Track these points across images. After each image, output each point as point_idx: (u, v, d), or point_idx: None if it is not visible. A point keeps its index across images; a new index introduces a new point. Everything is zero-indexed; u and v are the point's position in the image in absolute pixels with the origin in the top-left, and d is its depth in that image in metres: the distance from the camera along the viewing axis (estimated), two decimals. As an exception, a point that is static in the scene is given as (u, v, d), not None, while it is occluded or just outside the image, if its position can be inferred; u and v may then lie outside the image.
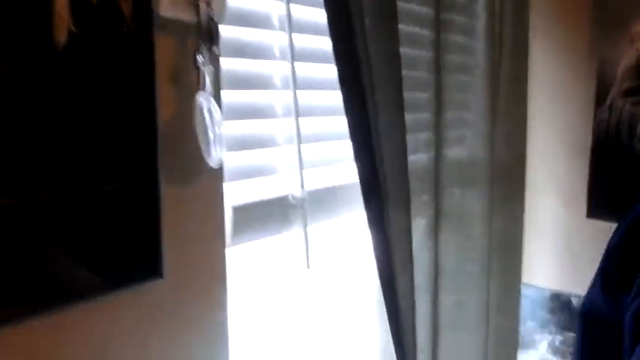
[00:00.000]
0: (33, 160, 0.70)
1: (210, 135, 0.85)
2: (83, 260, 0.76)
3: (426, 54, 1.30)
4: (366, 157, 1.07)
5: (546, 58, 1.64)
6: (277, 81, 1.07)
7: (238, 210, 0.98)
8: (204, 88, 0.85)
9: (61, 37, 0.69)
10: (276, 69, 1.07)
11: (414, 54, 1.28)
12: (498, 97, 1.52)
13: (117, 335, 0.82)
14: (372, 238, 1.12)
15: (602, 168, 1.59)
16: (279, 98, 1.08)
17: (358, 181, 1.06)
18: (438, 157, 1.35)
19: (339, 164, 1.24)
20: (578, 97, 1.60)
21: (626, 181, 1.55)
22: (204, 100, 0.85)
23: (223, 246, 0.96)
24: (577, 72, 1.61)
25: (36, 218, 0.71)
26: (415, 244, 1.23)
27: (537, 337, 1.71)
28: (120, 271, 0.80)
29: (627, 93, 1.54)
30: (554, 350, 1.69)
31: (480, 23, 1.44)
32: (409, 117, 1.17)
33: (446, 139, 1.38)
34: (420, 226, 1.34)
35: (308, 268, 1.14)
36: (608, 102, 1.56)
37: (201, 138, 0.85)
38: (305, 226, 1.11)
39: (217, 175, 0.94)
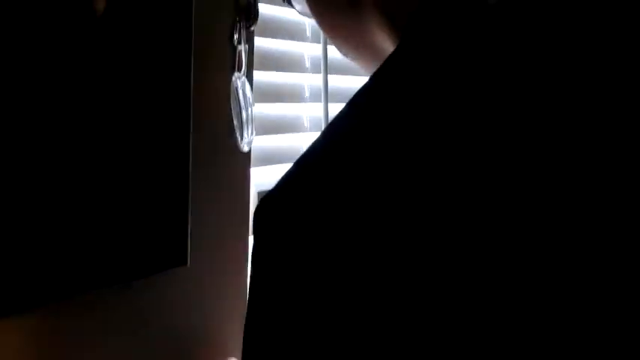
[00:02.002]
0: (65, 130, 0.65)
1: (244, 117, 0.81)
2: (108, 246, 0.72)
3: None
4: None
5: None
6: (307, 63, 1.03)
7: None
8: (240, 69, 0.81)
9: (100, 4, 0.64)
10: (307, 50, 1.02)
11: None
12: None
13: (137, 318, 0.79)
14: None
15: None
16: (308, 80, 1.03)
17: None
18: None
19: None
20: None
21: None
22: (239, 81, 0.81)
23: (248, 233, 0.92)
24: None
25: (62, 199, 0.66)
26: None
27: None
28: (143, 257, 0.76)
29: None
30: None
31: None
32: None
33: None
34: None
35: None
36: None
37: (235, 120, 0.81)
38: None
39: (245, 159, 0.90)
